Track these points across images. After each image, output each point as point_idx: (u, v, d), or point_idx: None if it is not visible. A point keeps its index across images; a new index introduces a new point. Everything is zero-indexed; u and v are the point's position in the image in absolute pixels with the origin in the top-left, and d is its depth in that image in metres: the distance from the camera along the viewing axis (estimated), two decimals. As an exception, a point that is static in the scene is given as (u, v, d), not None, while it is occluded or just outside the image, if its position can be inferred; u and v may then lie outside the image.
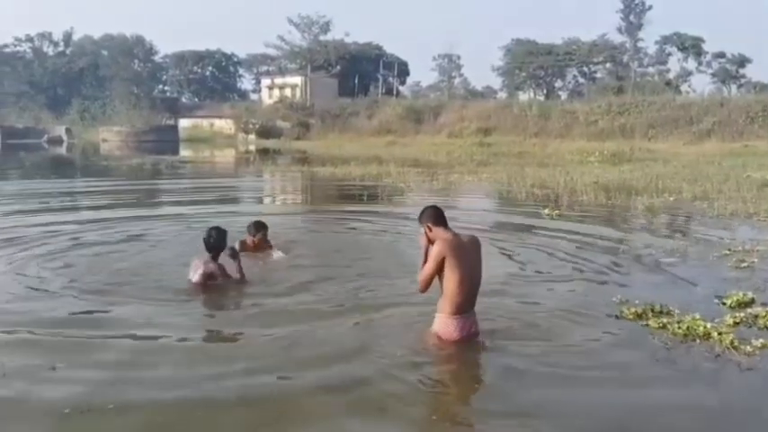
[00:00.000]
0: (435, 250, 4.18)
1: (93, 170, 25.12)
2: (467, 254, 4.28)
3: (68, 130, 57.08)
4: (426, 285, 4.30)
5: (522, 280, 6.35)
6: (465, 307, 4.29)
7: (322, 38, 69.68)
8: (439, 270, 4.20)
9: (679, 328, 4.67)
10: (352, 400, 3.67)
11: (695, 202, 12.28)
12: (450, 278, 4.19)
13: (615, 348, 4.49)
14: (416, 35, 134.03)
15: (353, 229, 9.58)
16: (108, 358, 4.21)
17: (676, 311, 5.01)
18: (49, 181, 18.80)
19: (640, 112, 40.80)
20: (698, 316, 4.82)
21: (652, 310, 5.02)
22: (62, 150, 42.57)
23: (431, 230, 4.30)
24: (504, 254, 7.59)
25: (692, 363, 4.22)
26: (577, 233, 9.02)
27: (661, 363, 4.24)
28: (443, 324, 4.31)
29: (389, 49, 74.94)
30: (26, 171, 23.80)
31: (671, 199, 12.75)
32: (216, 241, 5.84)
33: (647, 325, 4.79)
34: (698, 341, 4.50)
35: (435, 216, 4.34)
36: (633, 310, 5.04)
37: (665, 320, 4.81)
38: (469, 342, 4.35)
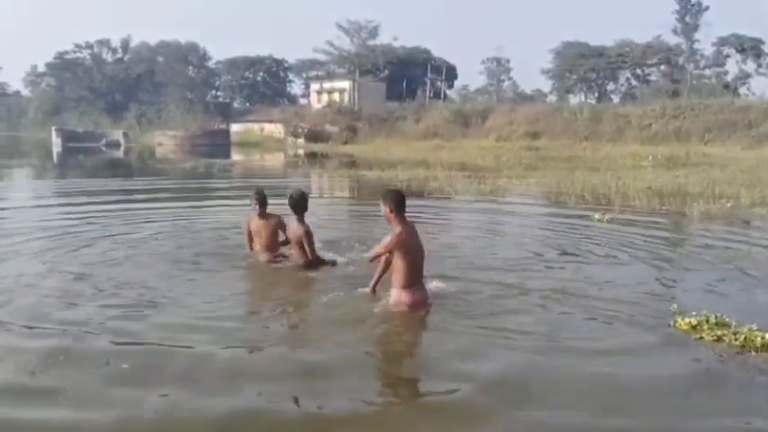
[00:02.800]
0: (388, 241, 5.10)
1: (150, 172, 25.82)
2: (414, 240, 5.20)
3: (126, 134, 58.99)
4: (375, 259, 5.40)
5: (570, 285, 6.23)
6: (413, 281, 5.17)
7: (370, 42, 70.13)
8: (389, 252, 5.17)
9: (735, 339, 4.52)
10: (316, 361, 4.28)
11: (754, 209, 11.85)
12: (402, 260, 5.11)
13: (664, 358, 4.39)
14: (465, 39, 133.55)
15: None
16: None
17: (733, 322, 4.85)
18: (116, 179, 19.47)
19: (696, 116, 39.63)
20: (755, 327, 4.65)
21: (707, 321, 4.86)
22: (120, 154, 43.98)
23: (391, 212, 5.14)
24: (549, 258, 7.51)
25: (747, 376, 4.09)
26: (629, 239, 8.82)
27: (714, 375, 4.11)
28: (397, 296, 5.18)
29: (437, 52, 74.98)
30: (87, 171, 24.67)
31: (728, 205, 12.32)
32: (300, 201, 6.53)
33: (702, 338, 4.65)
34: (754, 353, 4.34)
35: (398, 202, 5.15)
36: (687, 321, 4.89)
37: (720, 332, 4.66)
38: (424, 311, 5.21)
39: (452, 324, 5.01)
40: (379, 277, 5.51)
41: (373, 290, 5.53)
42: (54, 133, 56.67)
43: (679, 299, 5.70)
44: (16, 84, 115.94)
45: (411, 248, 5.15)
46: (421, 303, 5.23)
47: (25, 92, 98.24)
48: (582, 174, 19.16)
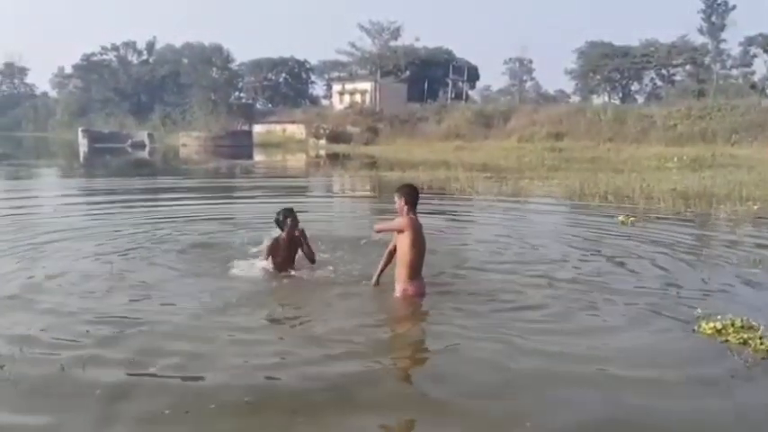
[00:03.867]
0: (402, 221, 5.39)
1: (174, 172, 26.04)
2: (422, 235, 5.43)
3: (151, 135, 59.71)
4: (381, 231, 5.79)
5: (589, 285, 6.20)
6: (417, 273, 5.46)
7: (392, 43, 70.18)
8: (395, 230, 5.48)
9: (761, 344, 4.44)
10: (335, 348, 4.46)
11: (782, 211, 11.64)
12: (409, 252, 5.36)
13: (688, 363, 4.33)
14: (487, 39, 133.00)
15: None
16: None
17: (761, 326, 4.76)
18: (140, 179, 19.77)
19: (723, 117, 38.99)
20: (783, 332, 4.57)
21: (732, 325, 4.77)
22: (144, 154, 44.54)
23: (405, 205, 5.42)
24: (573, 259, 7.46)
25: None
26: (653, 242, 8.72)
27: (739, 380, 4.05)
28: (402, 287, 5.47)
29: (459, 53, 74.75)
30: (112, 171, 25.03)
31: (755, 207, 12.11)
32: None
33: (727, 341, 4.58)
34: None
35: (412, 195, 5.48)
36: (712, 324, 4.80)
37: (746, 336, 4.59)
38: (421, 298, 5.51)
39: (456, 312, 5.24)
40: (382, 270, 5.77)
41: (377, 282, 5.80)
42: (80, 134, 57.67)
43: (704, 302, 5.62)
44: (44, 85, 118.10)
45: (419, 236, 5.41)
46: (422, 294, 5.55)
47: (52, 93, 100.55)
48: (605, 175, 18.97)
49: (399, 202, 5.48)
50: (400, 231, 5.41)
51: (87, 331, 4.72)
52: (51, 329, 4.75)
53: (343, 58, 74.90)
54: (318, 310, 5.45)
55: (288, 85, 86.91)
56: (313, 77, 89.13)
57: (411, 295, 5.47)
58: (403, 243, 5.40)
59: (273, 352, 4.41)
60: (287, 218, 6.44)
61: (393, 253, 5.62)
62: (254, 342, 4.60)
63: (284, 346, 4.55)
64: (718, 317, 4.92)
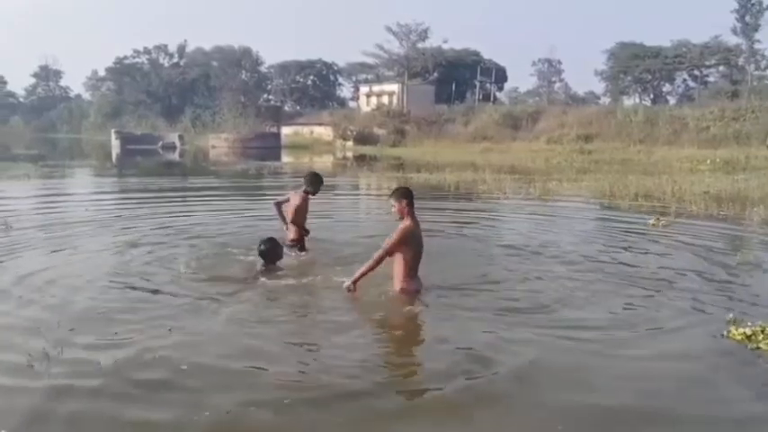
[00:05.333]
0: (399, 236, 5.50)
1: (203, 173, 26.37)
2: (420, 236, 5.63)
3: (181, 137, 60.53)
4: (389, 254, 5.58)
5: (617, 288, 6.13)
6: (415, 272, 5.67)
7: (420, 45, 70.13)
8: (402, 244, 5.53)
9: (794, 351, 4.36)
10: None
11: (819, 216, 11.36)
12: (409, 251, 5.58)
13: (717, 369, 4.27)
14: (516, 40, 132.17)
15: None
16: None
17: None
18: (171, 178, 20.10)
19: (757, 118, 38.10)
20: (817, 339, 4.48)
21: (763, 332, 4.69)
22: (175, 156, 45.13)
23: (404, 207, 5.57)
24: (600, 261, 7.38)
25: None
26: (684, 244, 8.59)
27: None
28: (401, 285, 5.64)
29: (487, 54, 74.45)
30: (144, 172, 25.46)
31: (791, 211, 11.85)
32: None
33: (759, 348, 4.50)
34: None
35: (409, 198, 5.62)
36: (742, 330, 4.73)
37: (778, 342, 4.51)
38: (419, 295, 5.67)
39: (468, 313, 5.32)
40: (365, 273, 5.63)
41: (355, 284, 5.67)
42: (113, 135, 58.76)
43: (735, 307, 5.53)
44: (78, 88, 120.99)
45: (418, 240, 5.61)
46: (419, 291, 5.71)
47: (86, 95, 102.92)
48: (636, 177, 18.73)
49: (399, 205, 5.60)
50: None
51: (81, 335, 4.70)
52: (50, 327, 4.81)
53: (371, 61, 75.23)
54: (316, 313, 5.40)
55: (315, 87, 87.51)
56: (340, 80, 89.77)
57: (410, 292, 5.62)
58: (404, 245, 5.56)
59: (276, 362, 4.30)
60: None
61: (382, 259, 5.61)
62: (254, 351, 4.47)
63: (286, 356, 4.41)
64: (749, 323, 4.84)
